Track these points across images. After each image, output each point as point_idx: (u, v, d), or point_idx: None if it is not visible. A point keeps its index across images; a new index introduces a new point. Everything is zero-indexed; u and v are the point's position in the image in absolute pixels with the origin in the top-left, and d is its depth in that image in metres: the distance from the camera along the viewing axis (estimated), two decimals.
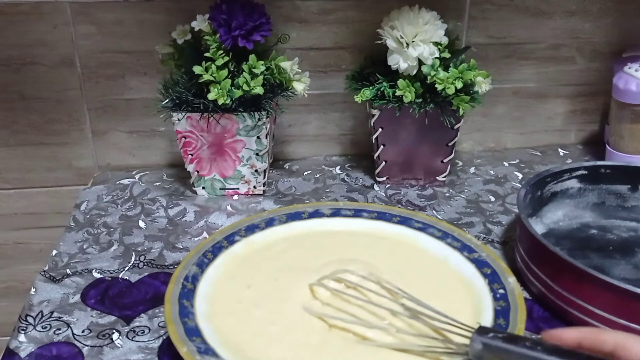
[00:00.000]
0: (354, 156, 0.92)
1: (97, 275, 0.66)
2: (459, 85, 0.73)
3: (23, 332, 0.58)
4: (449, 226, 0.67)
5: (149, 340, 0.57)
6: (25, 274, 0.95)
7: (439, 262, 0.63)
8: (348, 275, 0.58)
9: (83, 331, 0.58)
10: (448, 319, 0.51)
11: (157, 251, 0.70)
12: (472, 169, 0.89)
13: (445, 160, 0.82)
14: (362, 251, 0.64)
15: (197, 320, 0.54)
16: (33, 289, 0.64)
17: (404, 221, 0.68)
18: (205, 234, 0.73)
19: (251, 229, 0.66)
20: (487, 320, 0.53)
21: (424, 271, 0.62)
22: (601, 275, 0.53)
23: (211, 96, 0.70)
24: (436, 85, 0.73)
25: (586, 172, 0.73)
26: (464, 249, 0.63)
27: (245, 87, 0.71)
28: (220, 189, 0.80)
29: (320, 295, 0.57)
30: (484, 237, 0.72)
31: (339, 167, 0.89)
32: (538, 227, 0.71)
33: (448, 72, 0.74)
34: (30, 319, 0.60)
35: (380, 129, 0.79)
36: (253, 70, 0.71)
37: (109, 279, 0.65)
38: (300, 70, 0.75)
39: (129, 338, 0.57)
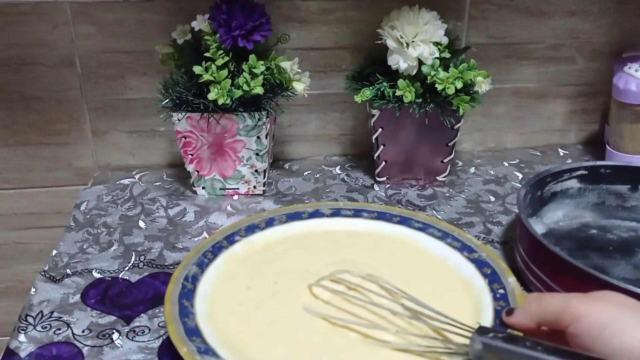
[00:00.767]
0: (354, 156, 0.92)
1: (97, 275, 0.66)
2: (459, 85, 0.73)
3: (23, 332, 0.58)
4: (449, 226, 0.66)
5: (149, 340, 0.57)
6: (25, 274, 0.95)
7: (439, 262, 0.63)
8: (347, 275, 0.58)
9: (83, 331, 0.58)
10: (448, 319, 0.51)
11: (157, 251, 0.70)
12: (472, 169, 0.89)
13: (445, 160, 0.82)
14: (362, 251, 0.64)
15: (197, 320, 0.54)
16: (33, 289, 0.64)
17: (404, 221, 0.68)
18: (205, 234, 0.73)
19: (251, 229, 0.66)
20: (487, 320, 0.53)
21: (424, 271, 0.62)
22: (601, 275, 0.53)
23: (211, 96, 0.70)
24: (436, 85, 0.73)
25: (586, 172, 0.73)
26: (464, 249, 0.63)
27: (245, 87, 0.71)
28: (220, 189, 0.80)
29: (321, 296, 0.57)
30: (484, 237, 0.72)
31: (339, 167, 0.89)
32: (538, 227, 0.71)
33: (448, 72, 0.74)
34: (30, 319, 0.60)
35: (380, 129, 0.79)
36: (253, 70, 0.71)
37: (109, 279, 0.65)
38: (300, 70, 0.75)
39: (129, 338, 0.57)
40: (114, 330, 0.58)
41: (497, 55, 0.88)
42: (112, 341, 0.57)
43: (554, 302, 0.45)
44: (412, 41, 0.72)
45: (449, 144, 0.80)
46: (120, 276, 0.66)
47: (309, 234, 0.67)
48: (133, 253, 0.69)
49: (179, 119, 0.74)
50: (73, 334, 0.58)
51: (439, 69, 0.74)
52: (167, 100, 0.73)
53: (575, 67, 0.91)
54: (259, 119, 0.74)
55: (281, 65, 0.73)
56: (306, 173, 0.87)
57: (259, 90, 0.71)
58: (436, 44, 0.74)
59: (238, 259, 0.63)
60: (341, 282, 0.58)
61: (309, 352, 0.52)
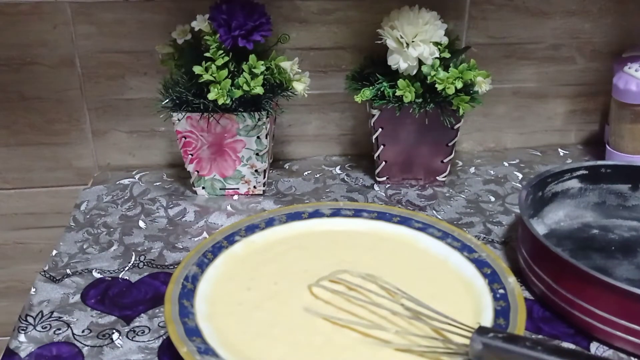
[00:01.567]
0: (354, 156, 0.92)
1: (97, 275, 0.66)
2: (459, 85, 0.73)
3: (23, 332, 0.58)
4: (449, 226, 0.67)
5: (149, 340, 0.57)
6: (25, 274, 0.95)
7: (439, 262, 0.63)
8: (347, 275, 0.58)
9: (83, 331, 0.58)
10: (448, 319, 0.51)
11: (157, 251, 0.70)
12: (472, 169, 0.89)
13: (445, 160, 0.82)
14: (362, 251, 0.64)
15: (197, 320, 0.54)
16: (33, 289, 0.64)
17: (404, 221, 0.68)
18: (205, 234, 0.73)
19: (251, 229, 0.66)
20: (487, 320, 0.53)
21: (424, 271, 0.62)
22: (604, 277, 0.53)
23: (211, 96, 0.70)
24: (436, 85, 0.73)
25: (587, 172, 0.73)
26: (464, 249, 0.63)
27: (245, 87, 0.71)
28: (220, 189, 0.80)
29: (321, 296, 0.57)
30: (484, 237, 0.72)
31: (339, 167, 0.89)
32: (539, 227, 0.71)
33: (448, 72, 0.74)
34: (30, 319, 0.60)
35: (380, 129, 0.79)
36: (253, 70, 0.71)
37: (109, 279, 0.65)
38: (300, 70, 0.75)
39: (129, 338, 0.57)
40: (114, 330, 0.58)
41: (497, 55, 0.88)
42: (112, 341, 0.57)
43: None
44: (412, 41, 0.72)
45: (449, 144, 0.80)
46: (120, 276, 0.66)
47: (309, 234, 0.68)
48: (133, 253, 0.69)
49: (179, 119, 0.74)
50: (73, 334, 0.58)
51: (439, 69, 0.74)
52: (167, 100, 0.73)
53: (575, 67, 0.91)
54: (259, 119, 0.74)
55: (281, 65, 0.73)
56: (306, 173, 0.87)
57: (259, 90, 0.71)
58: (436, 44, 0.74)
59: (238, 259, 0.63)
60: (341, 282, 0.58)
61: (309, 352, 0.52)
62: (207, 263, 0.61)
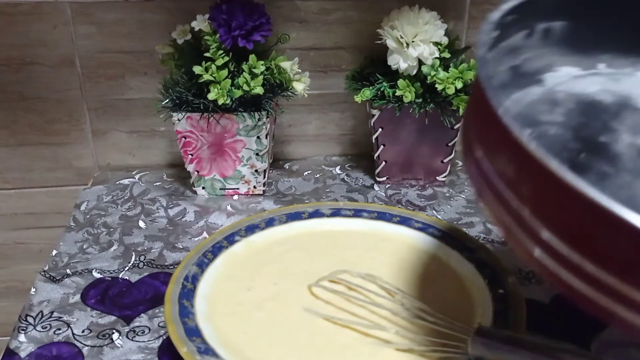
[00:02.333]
0: (354, 156, 0.92)
1: (97, 275, 0.66)
2: (459, 85, 0.73)
3: (23, 332, 0.58)
4: (449, 226, 0.67)
5: (149, 340, 0.57)
6: (25, 274, 0.95)
7: (439, 262, 0.63)
8: (347, 275, 0.58)
9: (83, 331, 0.58)
10: (448, 319, 0.51)
11: (157, 251, 0.70)
12: None
13: (445, 160, 0.82)
14: (362, 251, 0.64)
15: (197, 320, 0.54)
16: (33, 289, 0.64)
17: (404, 221, 0.68)
18: (205, 234, 0.73)
19: (251, 229, 0.66)
20: (487, 320, 0.53)
21: (424, 271, 0.62)
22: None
23: (211, 96, 0.70)
24: (436, 85, 0.73)
25: None
26: (464, 249, 0.63)
27: (245, 87, 0.71)
28: (220, 189, 0.80)
29: (321, 296, 0.57)
30: (484, 237, 0.72)
31: (339, 167, 0.89)
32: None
33: (448, 72, 0.74)
34: (30, 319, 0.60)
35: (380, 129, 0.79)
36: (253, 70, 0.71)
37: (109, 279, 0.65)
38: (300, 70, 0.75)
39: (129, 338, 0.57)
40: (114, 330, 0.58)
41: None
42: (112, 341, 0.57)
43: None
44: (412, 41, 0.72)
45: (449, 144, 0.80)
46: (120, 276, 0.66)
47: (309, 234, 0.68)
48: (133, 253, 0.69)
49: (179, 119, 0.74)
50: (73, 334, 0.58)
51: (439, 69, 0.74)
52: (167, 100, 0.73)
53: None
54: (259, 119, 0.74)
55: (281, 65, 0.73)
56: (306, 173, 0.87)
57: (259, 90, 0.71)
58: (436, 44, 0.74)
59: (238, 259, 0.63)
60: (341, 282, 0.58)
61: (310, 352, 0.52)
62: (207, 263, 0.61)
